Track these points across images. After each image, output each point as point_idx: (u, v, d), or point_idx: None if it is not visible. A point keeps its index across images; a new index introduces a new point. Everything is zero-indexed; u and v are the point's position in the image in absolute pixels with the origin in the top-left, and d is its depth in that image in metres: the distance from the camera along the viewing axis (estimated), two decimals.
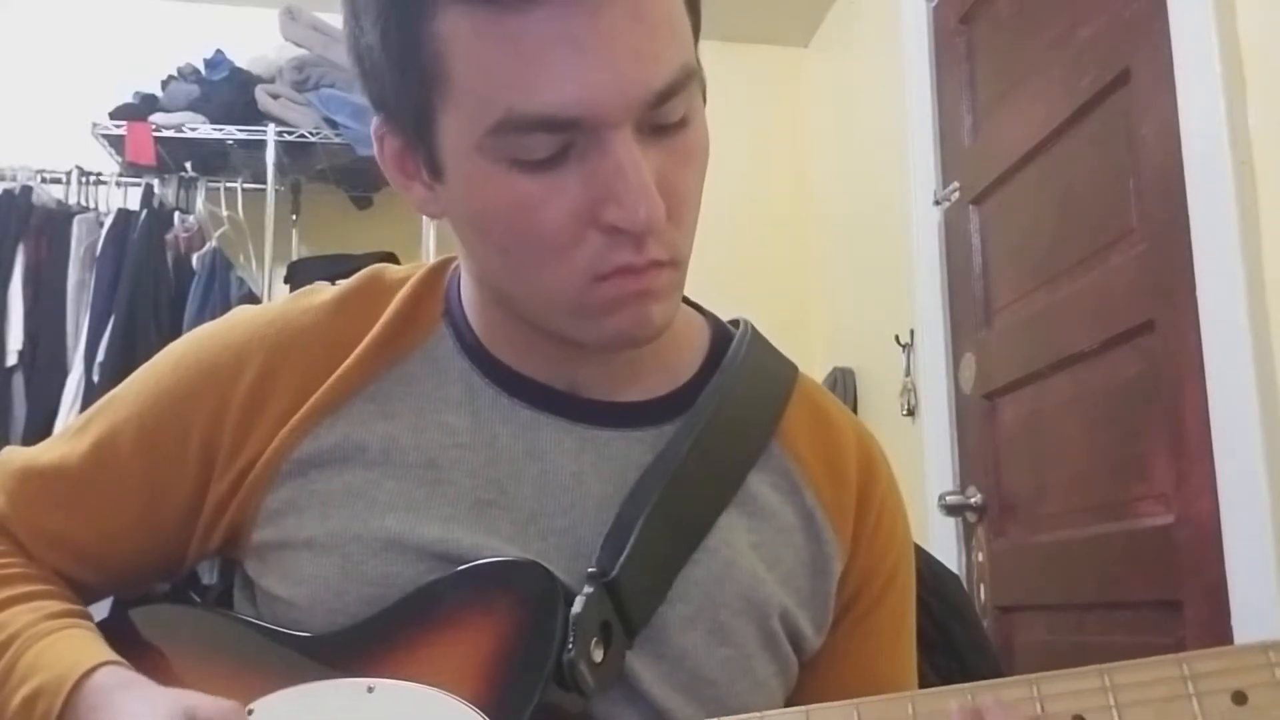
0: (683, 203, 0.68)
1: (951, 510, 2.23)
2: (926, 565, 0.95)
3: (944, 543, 2.25)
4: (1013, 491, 2.11)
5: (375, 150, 0.73)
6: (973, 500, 2.20)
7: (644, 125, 0.64)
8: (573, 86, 0.61)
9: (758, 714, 0.59)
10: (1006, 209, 2.18)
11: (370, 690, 0.66)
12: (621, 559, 0.69)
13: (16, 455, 0.81)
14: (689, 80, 0.65)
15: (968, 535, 2.24)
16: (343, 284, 0.81)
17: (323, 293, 0.80)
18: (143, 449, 0.76)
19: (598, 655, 0.67)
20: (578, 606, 0.66)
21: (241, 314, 0.81)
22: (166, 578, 0.82)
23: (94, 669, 0.68)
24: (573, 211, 0.65)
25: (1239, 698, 0.51)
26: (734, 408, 0.78)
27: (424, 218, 2.95)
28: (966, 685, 0.55)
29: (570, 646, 0.65)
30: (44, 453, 0.80)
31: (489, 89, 0.63)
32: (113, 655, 0.70)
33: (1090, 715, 0.53)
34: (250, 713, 0.67)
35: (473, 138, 0.64)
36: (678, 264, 0.69)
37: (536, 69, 0.61)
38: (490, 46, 0.62)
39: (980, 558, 2.19)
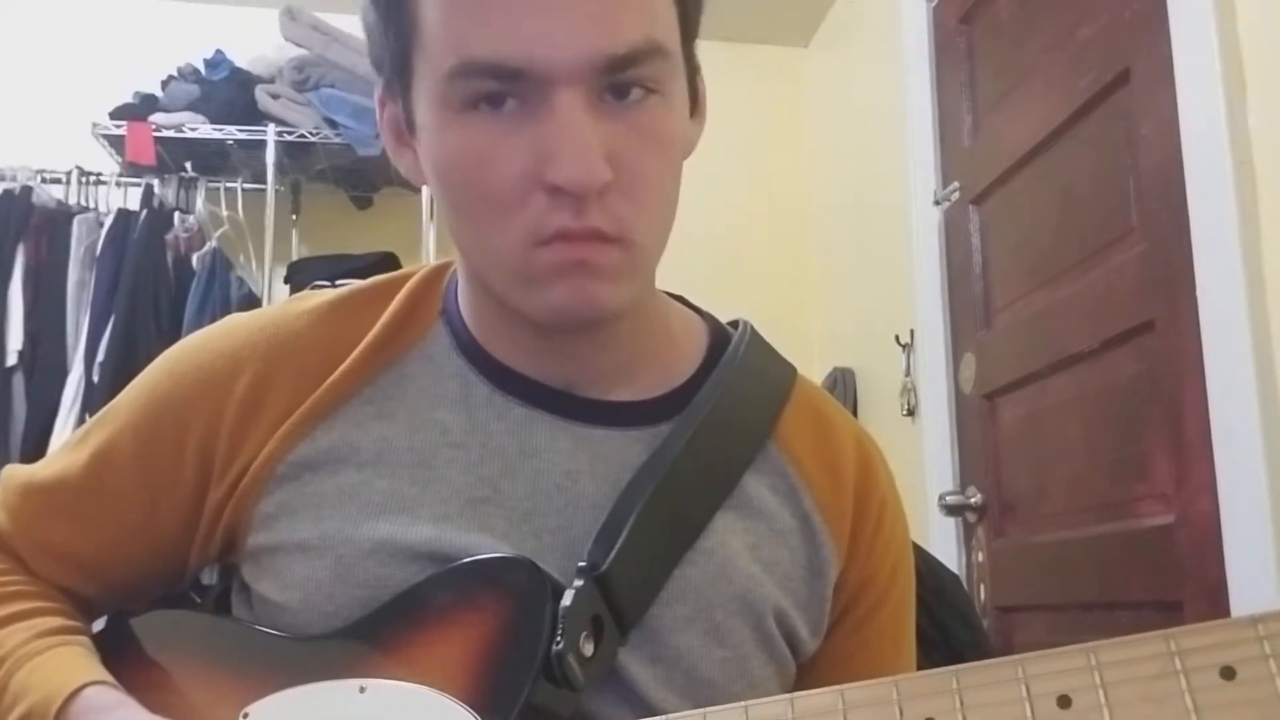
0: (639, 180, 0.67)
1: (951, 510, 2.23)
2: (926, 565, 0.95)
3: (944, 543, 2.25)
4: (1013, 491, 2.10)
5: (377, 116, 0.76)
6: (973, 500, 2.20)
7: (601, 92, 0.65)
8: (522, 35, 0.63)
9: (741, 704, 0.59)
10: (1006, 209, 2.17)
11: (362, 690, 0.66)
12: (613, 554, 0.69)
13: (18, 472, 0.81)
14: (653, 55, 0.66)
15: (968, 535, 2.24)
16: (340, 289, 0.81)
17: (316, 298, 0.80)
18: (141, 457, 0.76)
19: (588, 649, 0.66)
20: (567, 600, 0.66)
21: (235, 320, 0.81)
22: (169, 588, 0.82)
23: (78, 690, 0.68)
24: (521, 169, 0.65)
25: (1227, 673, 0.50)
26: (730, 408, 0.77)
27: (424, 218, 2.96)
28: (952, 668, 0.55)
29: (559, 639, 0.65)
30: (44, 468, 0.80)
31: (448, 36, 0.65)
32: (100, 674, 0.70)
33: (1076, 695, 0.52)
34: (245, 717, 0.67)
35: (436, 87, 0.67)
36: (627, 243, 0.67)
37: (491, 16, 0.64)
38: None
39: (980, 558, 2.18)
